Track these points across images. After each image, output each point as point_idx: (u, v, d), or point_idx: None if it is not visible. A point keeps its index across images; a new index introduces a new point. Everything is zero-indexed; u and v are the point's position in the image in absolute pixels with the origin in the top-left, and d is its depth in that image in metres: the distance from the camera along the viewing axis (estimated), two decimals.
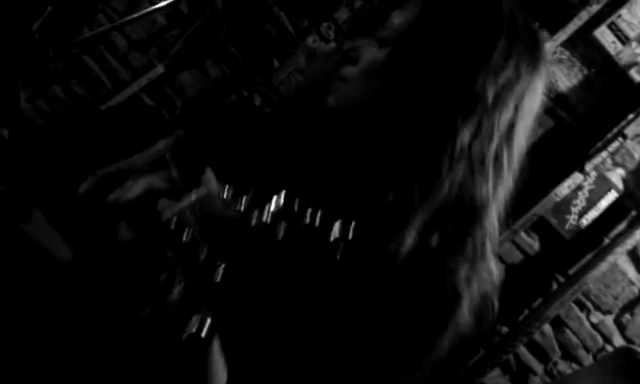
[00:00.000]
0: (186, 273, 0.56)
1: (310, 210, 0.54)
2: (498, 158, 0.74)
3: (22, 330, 0.80)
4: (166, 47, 2.14)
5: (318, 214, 0.54)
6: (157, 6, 1.68)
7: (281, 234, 0.54)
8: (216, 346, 0.61)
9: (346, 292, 0.66)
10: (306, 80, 0.99)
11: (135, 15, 1.67)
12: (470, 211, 0.72)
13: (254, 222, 0.55)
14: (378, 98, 0.75)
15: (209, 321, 0.55)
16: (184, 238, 0.55)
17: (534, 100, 0.77)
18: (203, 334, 0.55)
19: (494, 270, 0.76)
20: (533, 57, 0.76)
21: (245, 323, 0.64)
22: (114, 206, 0.65)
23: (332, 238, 0.53)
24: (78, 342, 0.76)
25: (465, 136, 0.71)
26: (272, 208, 0.55)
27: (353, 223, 0.54)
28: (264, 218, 0.55)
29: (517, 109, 0.75)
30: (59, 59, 2.03)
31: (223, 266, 0.54)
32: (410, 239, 0.68)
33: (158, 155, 0.65)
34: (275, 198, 0.55)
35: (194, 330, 0.54)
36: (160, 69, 2.05)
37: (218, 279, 0.54)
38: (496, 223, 0.76)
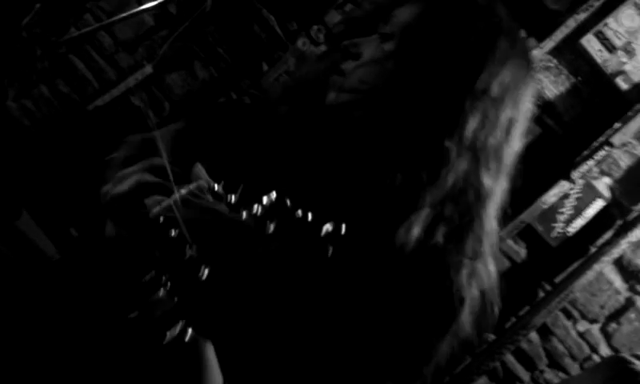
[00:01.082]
0: (172, 272, 0.54)
1: (301, 207, 0.53)
2: (498, 153, 0.75)
3: (16, 329, 0.79)
4: (154, 48, 2.13)
5: (310, 211, 0.53)
6: (145, 7, 1.67)
7: (271, 228, 0.53)
8: (210, 348, 0.60)
9: (343, 290, 0.65)
10: (295, 80, 0.98)
11: (123, 15, 1.66)
12: (472, 205, 0.72)
13: (244, 216, 0.54)
14: (383, 86, 0.76)
15: (191, 326, 0.53)
16: (171, 235, 0.54)
17: (526, 105, 0.79)
18: (187, 339, 0.53)
19: (492, 270, 0.75)
20: (525, 62, 0.79)
21: (233, 324, 0.62)
22: (102, 200, 0.66)
23: (323, 234, 0.52)
24: (69, 342, 0.75)
25: (471, 125, 0.71)
26: (264, 203, 0.54)
27: (344, 222, 0.53)
28: (254, 213, 0.53)
29: (517, 106, 0.76)
30: (46, 58, 2.01)
31: (209, 266, 0.52)
32: (417, 229, 0.68)
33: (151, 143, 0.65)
34: (267, 194, 0.54)
35: (177, 335, 0.52)
36: (148, 69, 2.04)
37: (204, 278, 0.52)
38: (494, 222, 0.76)
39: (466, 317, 0.72)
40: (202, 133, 0.93)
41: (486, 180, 0.73)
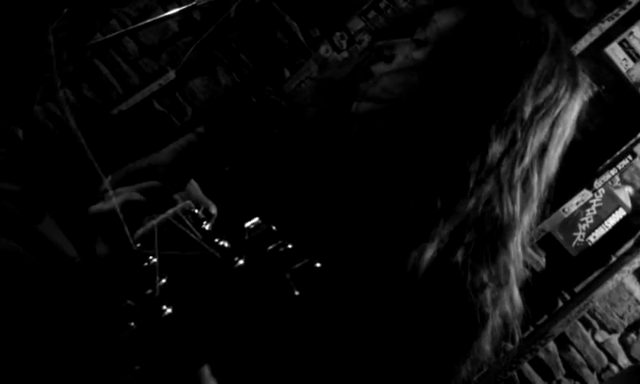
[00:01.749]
0: (138, 304, 0.50)
1: (290, 232, 0.50)
2: (527, 180, 0.71)
3: (35, 331, 0.78)
4: (178, 54, 2.15)
5: (300, 236, 0.50)
6: (169, 13, 1.69)
7: (239, 263, 0.49)
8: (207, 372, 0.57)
9: (353, 314, 0.62)
10: (319, 86, 0.95)
11: (148, 21, 1.68)
12: (495, 231, 0.69)
13: (215, 246, 0.50)
14: (407, 99, 0.72)
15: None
16: (146, 263, 0.51)
17: (568, 126, 0.75)
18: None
19: (516, 297, 0.72)
20: (573, 81, 0.74)
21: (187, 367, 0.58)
22: (91, 217, 0.65)
23: (296, 267, 0.48)
24: (88, 345, 0.73)
25: (496, 150, 0.67)
26: (248, 227, 0.51)
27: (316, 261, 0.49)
28: (224, 244, 0.50)
29: (551, 132, 0.72)
30: (71, 62, 2.03)
31: (171, 303, 0.48)
32: (431, 251, 0.65)
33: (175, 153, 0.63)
34: (248, 223, 0.51)
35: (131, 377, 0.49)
36: (171, 75, 2.05)
37: (164, 316, 0.48)
38: (520, 250, 0.73)
39: (487, 339, 0.70)
40: (225, 138, 0.92)
41: (511, 207, 0.69)
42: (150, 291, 0.49)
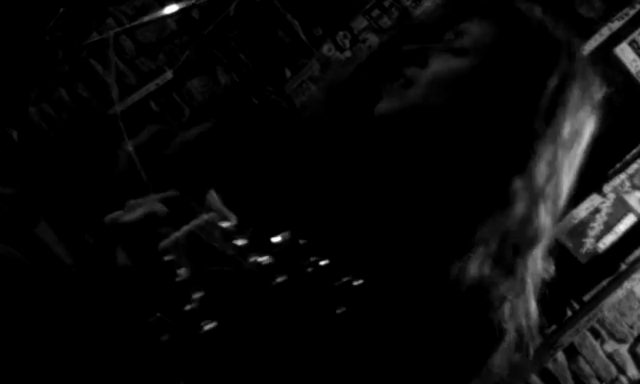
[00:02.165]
0: (175, 317, 0.52)
1: (317, 248, 0.50)
2: (555, 196, 0.74)
3: (32, 336, 0.79)
4: (175, 53, 2.13)
5: (325, 253, 0.50)
6: (167, 11, 1.65)
7: (278, 280, 0.51)
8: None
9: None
10: (325, 88, 0.96)
11: (145, 19, 1.64)
12: (522, 244, 0.72)
13: (250, 262, 0.51)
14: (450, 108, 0.74)
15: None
16: (176, 276, 0.53)
17: (584, 147, 0.79)
18: None
19: (533, 310, 0.74)
20: (593, 108, 0.79)
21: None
22: (111, 226, 0.65)
23: (337, 285, 0.50)
24: (83, 352, 0.74)
25: (540, 170, 0.71)
26: (276, 243, 0.52)
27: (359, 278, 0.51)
28: (260, 261, 0.51)
29: (575, 153, 0.76)
30: (66, 62, 2.01)
31: (213, 319, 0.50)
32: (476, 263, 0.67)
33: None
34: (281, 234, 0.52)
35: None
36: (169, 74, 2.03)
37: (206, 330, 0.50)
38: (540, 262, 0.75)
39: (502, 354, 0.71)
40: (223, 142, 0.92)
41: (543, 220, 0.72)
42: (187, 306, 0.51)
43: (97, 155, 1.99)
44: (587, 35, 2.05)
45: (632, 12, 2.08)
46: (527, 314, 0.73)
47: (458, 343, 0.68)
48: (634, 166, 2.04)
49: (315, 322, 0.53)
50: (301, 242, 0.52)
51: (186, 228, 0.56)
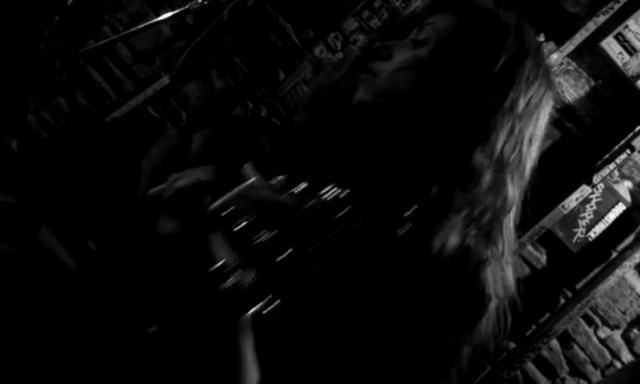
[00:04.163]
0: (245, 258, 0.54)
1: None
2: (519, 166, 0.79)
3: (35, 340, 0.79)
4: (171, 58, 2.14)
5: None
6: (162, 17, 1.67)
7: (340, 213, 0.52)
8: (249, 342, 0.61)
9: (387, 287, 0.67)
10: (315, 87, 0.99)
11: (140, 26, 1.66)
12: (496, 212, 0.76)
13: (310, 204, 0.54)
14: (413, 93, 0.79)
15: (275, 302, 0.53)
16: (238, 225, 0.54)
17: (546, 119, 0.84)
18: (267, 313, 0.53)
19: (510, 278, 0.78)
20: (549, 81, 0.83)
21: (315, 308, 0.63)
22: (157, 198, 0.68)
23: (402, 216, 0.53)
24: (86, 356, 0.75)
25: (500, 140, 0.76)
26: (327, 194, 0.54)
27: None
28: (322, 199, 0.53)
29: (536, 123, 0.81)
30: (64, 70, 2.02)
31: (290, 246, 0.52)
32: (454, 238, 0.72)
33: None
34: (328, 187, 0.54)
35: (259, 309, 0.53)
36: (165, 80, 2.04)
37: (283, 260, 0.52)
38: (512, 230, 0.80)
39: (486, 321, 0.74)
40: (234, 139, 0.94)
41: (510, 189, 0.77)
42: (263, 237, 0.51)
43: (97, 161, 2.01)
44: (573, 30, 2.07)
45: (617, 6, 2.09)
46: (505, 282, 0.77)
47: (447, 310, 0.71)
48: (621, 157, 2.04)
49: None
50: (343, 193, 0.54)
51: (234, 191, 0.57)
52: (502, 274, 0.77)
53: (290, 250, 0.53)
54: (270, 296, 0.53)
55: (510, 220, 0.80)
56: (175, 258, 0.65)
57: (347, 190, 0.54)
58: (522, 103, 0.78)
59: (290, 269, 0.53)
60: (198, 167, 0.69)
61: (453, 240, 0.72)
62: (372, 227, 0.54)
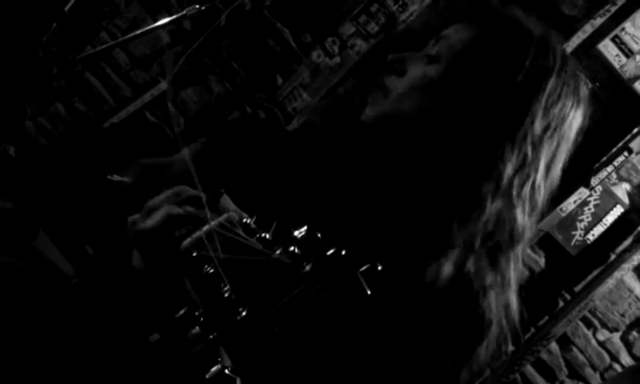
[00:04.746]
0: (206, 308, 0.54)
1: (332, 241, 0.53)
2: (534, 195, 0.73)
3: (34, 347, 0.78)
4: (169, 63, 2.13)
5: (341, 245, 0.53)
6: (159, 23, 1.67)
7: (307, 268, 0.52)
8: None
9: (376, 320, 0.64)
10: (326, 103, 0.99)
11: (138, 32, 1.66)
12: (503, 242, 0.72)
13: (278, 253, 0.53)
14: (425, 115, 0.75)
15: (229, 365, 0.53)
16: (205, 270, 0.54)
17: (572, 139, 0.78)
18: (227, 372, 0.53)
19: (514, 306, 0.74)
20: (577, 99, 0.77)
21: (269, 365, 0.62)
22: (129, 231, 0.66)
23: (361, 271, 0.52)
24: (86, 364, 0.74)
25: (510, 170, 0.70)
26: (296, 237, 0.53)
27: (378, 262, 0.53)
28: (289, 250, 0.53)
29: (557, 148, 0.75)
30: (62, 76, 2.02)
31: (247, 306, 0.52)
32: (449, 266, 0.68)
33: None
34: (297, 228, 0.54)
35: (218, 370, 0.53)
36: (163, 85, 2.04)
37: (242, 318, 0.52)
38: (521, 257, 0.76)
39: (486, 345, 0.72)
40: (223, 153, 0.93)
41: (520, 221, 0.72)
42: (224, 292, 0.52)
43: (95, 167, 2.01)
44: (570, 33, 2.07)
45: (613, 8, 2.09)
46: (508, 309, 0.74)
47: (446, 335, 0.69)
48: (619, 159, 2.04)
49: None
50: (318, 234, 0.53)
51: (206, 227, 0.56)
52: (506, 302, 0.73)
53: (248, 310, 0.52)
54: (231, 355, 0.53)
55: (519, 250, 0.74)
56: (146, 294, 0.65)
57: (316, 239, 0.53)
58: (538, 128, 0.71)
59: (248, 329, 0.52)
60: (176, 188, 0.66)
61: (447, 270, 0.68)
62: (331, 291, 0.53)
